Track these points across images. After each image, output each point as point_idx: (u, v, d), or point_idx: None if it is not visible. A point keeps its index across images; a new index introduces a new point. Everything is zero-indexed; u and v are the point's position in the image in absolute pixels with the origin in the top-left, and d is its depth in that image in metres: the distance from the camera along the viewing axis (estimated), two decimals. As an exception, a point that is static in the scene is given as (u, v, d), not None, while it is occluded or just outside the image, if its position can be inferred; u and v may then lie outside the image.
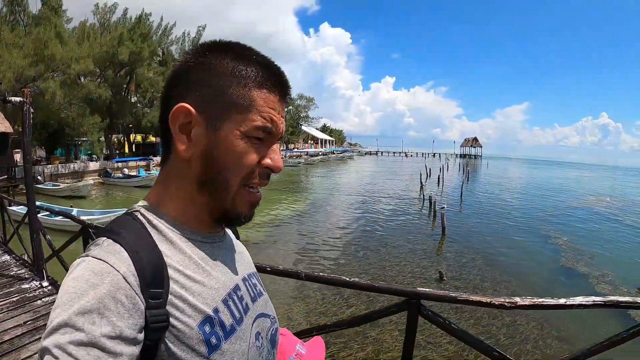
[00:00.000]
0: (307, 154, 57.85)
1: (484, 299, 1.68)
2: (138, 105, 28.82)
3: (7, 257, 4.72)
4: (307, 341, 0.80)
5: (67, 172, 21.26)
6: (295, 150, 61.56)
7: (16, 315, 3.16)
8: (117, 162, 24.53)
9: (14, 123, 16.70)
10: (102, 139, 25.82)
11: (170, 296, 0.47)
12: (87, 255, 0.45)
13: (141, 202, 0.55)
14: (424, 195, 15.18)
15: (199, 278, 0.51)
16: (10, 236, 5.17)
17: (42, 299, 3.52)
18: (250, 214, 0.56)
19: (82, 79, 23.90)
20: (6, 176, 16.26)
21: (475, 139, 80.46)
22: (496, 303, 1.63)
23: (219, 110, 0.51)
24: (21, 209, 7.79)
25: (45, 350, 0.38)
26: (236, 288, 0.56)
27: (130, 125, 29.78)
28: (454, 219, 13.18)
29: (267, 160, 0.54)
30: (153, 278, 0.45)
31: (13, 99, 4.40)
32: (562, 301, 1.61)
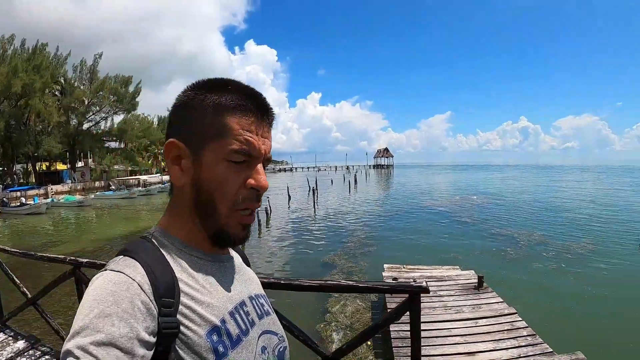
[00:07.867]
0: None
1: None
2: (43, 134, 29.72)
3: None
4: None
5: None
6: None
7: None
8: (11, 191, 25.44)
9: None
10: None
11: (180, 306, 0.51)
12: (105, 270, 0.50)
13: (154, 227, 0.60)
14: (269, 207, 17.38)
15: (207, 292, 0.55)
16: None
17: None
18: (243, 235, 0.59)
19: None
20: None
21: (386, 150, 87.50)
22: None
23: (199, 140, 0.56)
24: None
25: (67, 353, 0.41)
26: (242, 304, 0.60)
27: (36, 154, 30.45)
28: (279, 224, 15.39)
29: (251, 181, 0.57)
30: (165, 289, 0.50)
31: None
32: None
